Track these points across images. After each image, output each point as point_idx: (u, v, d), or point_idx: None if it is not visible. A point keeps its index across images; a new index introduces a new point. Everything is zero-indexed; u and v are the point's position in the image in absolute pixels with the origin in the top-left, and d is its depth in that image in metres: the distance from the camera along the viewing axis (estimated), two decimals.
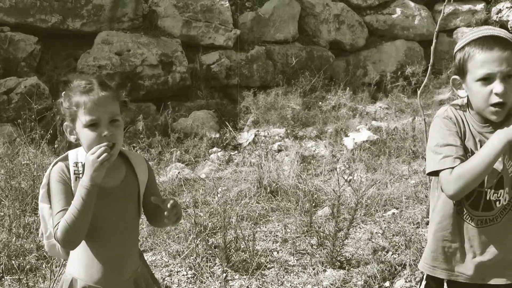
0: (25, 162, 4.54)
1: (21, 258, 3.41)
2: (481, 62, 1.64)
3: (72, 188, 1.72)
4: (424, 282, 1.97)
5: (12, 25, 6.35)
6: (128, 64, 6.60)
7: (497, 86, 1.62)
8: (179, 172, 5.05)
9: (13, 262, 3.32)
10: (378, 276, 3.24)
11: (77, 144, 1.81)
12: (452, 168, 1.67)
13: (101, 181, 1.65)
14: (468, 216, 1.80)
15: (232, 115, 6.75)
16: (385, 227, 3.94)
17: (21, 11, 6.35)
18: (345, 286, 3.24)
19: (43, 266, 3.35)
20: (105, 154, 1.62)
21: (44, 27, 6.50)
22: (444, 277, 1.88)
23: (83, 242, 1.73)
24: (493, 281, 1.82)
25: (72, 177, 1.73)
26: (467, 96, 1.78)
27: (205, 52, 7.33)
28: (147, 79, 6.70)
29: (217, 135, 6.13)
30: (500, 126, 1.68)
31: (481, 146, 1.72)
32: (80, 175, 1.71)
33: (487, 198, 1.77)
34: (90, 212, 1.65)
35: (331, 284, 3.23)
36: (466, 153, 1.74)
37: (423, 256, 1.96)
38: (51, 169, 1.76)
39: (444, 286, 1.88)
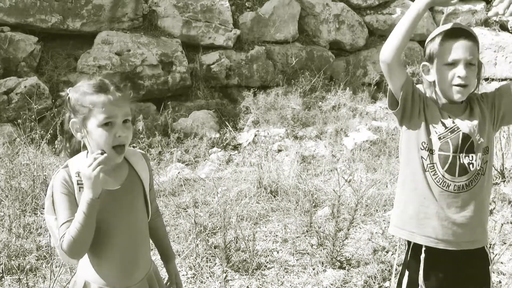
0: (25, 162, 4.54)
1: (21, 258, 3.41)
2: (449, 49, 1.88)
3: (76, 199, 1.70)
4: (410, 251, 2.02)
5: (12, 25, 6.35)
6: (128, 64, 6.60)
7: (460, 70, 1.87)
8: (179, 172, 5.05)
9: (13, 262, 3.32)
10: (378, 276, 3.24)
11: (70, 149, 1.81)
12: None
13: (99, 193, 1.64)
14: (444, 183, 1.93)
15: (232, 115, 6.75)
16: (385, 227, 3.93)
17: (21, 11, 6.35)
18: (345, 286, 3.24)
19: (43, 266, 3.35)
20: (100, 166, 1.62)
21: (44, 27, 6.50)
22: (423, 243, 1.96)
23: (95, 245, 1.72)
24: (465, 246, 1.95)
25: (76, 187, 1.70)
26: (434, 81, 1.97)
27: (205, 52, 7.33)
28: (147, 79, 6.70)
29: (217, 135, 6.13)
30: (460, 111, 1.95)
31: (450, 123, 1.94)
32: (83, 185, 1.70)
33: (461, 161, 1.92)
34: (93, 225, 1.65)
35: (331, 284, 3.23)
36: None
37: (395, 221, 2.04)
38: (54, 178, 1.75)
39: (422, 254, 1.96)
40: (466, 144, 1.92)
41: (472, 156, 1.92)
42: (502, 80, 8.24)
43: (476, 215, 1.94)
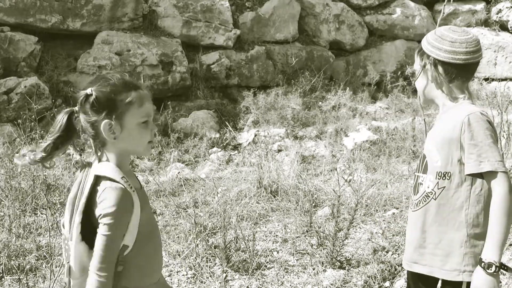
0: None
1: (21, 258, 3.41)
2: None
3: (134, 202, 1.59)
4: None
5: (12, 25, 6.35)
6: (128, 64, 6.60)
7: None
8: (179, 172, 5.05)
9: (13, 262, 3.32)
10: (378, 276, 3.24)
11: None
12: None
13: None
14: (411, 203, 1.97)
15: (232, 115, 6.75)
16: (385, 227, 3.94)
17: (21, 11, 6.35)
18: (345, 286, 3.24)
19: (43, 266, 3.35)
20: None
21: (44, 27, 6.50)
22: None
23: (148, 247, 1.67)
24: (415, 268, 1.94)
25: (133, 194, 1.60)
26: None
27: (205, 52, 7.33)
28: (147, 79, 6.70)
29: (217, 135, 6.13)
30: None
31: None
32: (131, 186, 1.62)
33: (418, 181, 1.92)
34: None
35: (331, 284, 3.23)
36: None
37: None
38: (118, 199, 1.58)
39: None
40: (422, 163, 1.92)
41: (424, 177, 1.88)
42: (502, 80, 8.23)
43: (420, 238, 1.88)
